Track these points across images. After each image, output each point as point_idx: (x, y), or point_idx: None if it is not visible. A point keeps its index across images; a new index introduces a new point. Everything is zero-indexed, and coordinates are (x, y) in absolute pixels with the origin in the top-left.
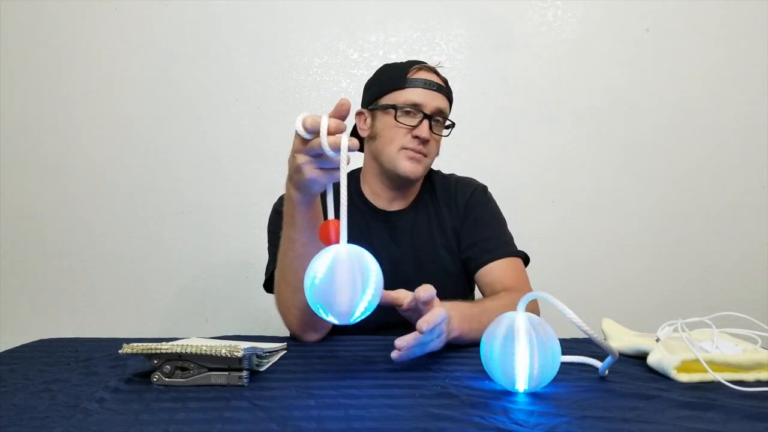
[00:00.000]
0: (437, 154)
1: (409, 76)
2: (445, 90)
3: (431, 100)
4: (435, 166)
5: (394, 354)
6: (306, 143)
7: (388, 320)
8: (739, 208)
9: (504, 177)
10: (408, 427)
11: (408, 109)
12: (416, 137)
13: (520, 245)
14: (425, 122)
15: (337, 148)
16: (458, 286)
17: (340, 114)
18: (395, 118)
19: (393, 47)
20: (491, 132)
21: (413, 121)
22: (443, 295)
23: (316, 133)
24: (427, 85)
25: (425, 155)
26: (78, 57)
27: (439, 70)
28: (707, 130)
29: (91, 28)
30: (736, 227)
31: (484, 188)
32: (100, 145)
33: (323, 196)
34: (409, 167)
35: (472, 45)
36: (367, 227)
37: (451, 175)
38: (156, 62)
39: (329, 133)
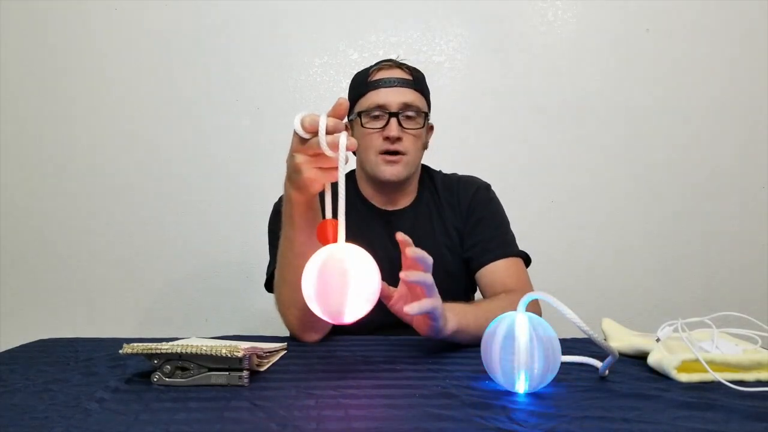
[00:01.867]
0: (424, 148)
1: (369, 79)
2: (411, 82)
3: (395, 97)
4: (436, 166)
5: (408, 308)
6: (304, 143)
7: (388, 320)
8: (739, 209)
9: (504, 177)
10: (408, 427)
11: (375, 113)
12: (387, 138)
13: (520, 245)
14: (393, 121)
15: (335, 148)
16: (459, 286)
17: (339, 113)
18: (362, 125)
19: (393, 47)
20: (491, 132)
21: (380, 123)
22: (444, 295)
23: (314, 132)
24: (388, 83)
25: (403, 153)
26: (78, 57)
27: (405, 62)
28: (707, 130)
29: (91, 28)
30: (736, 227)
31: (488, 186)
32: (100, 144)
33: (322, 195)
34: (388, 171)
35: (472, 45)
36: (367, 227)
37: (453, 174)
38: (156, 62)
39: (327, 133)
